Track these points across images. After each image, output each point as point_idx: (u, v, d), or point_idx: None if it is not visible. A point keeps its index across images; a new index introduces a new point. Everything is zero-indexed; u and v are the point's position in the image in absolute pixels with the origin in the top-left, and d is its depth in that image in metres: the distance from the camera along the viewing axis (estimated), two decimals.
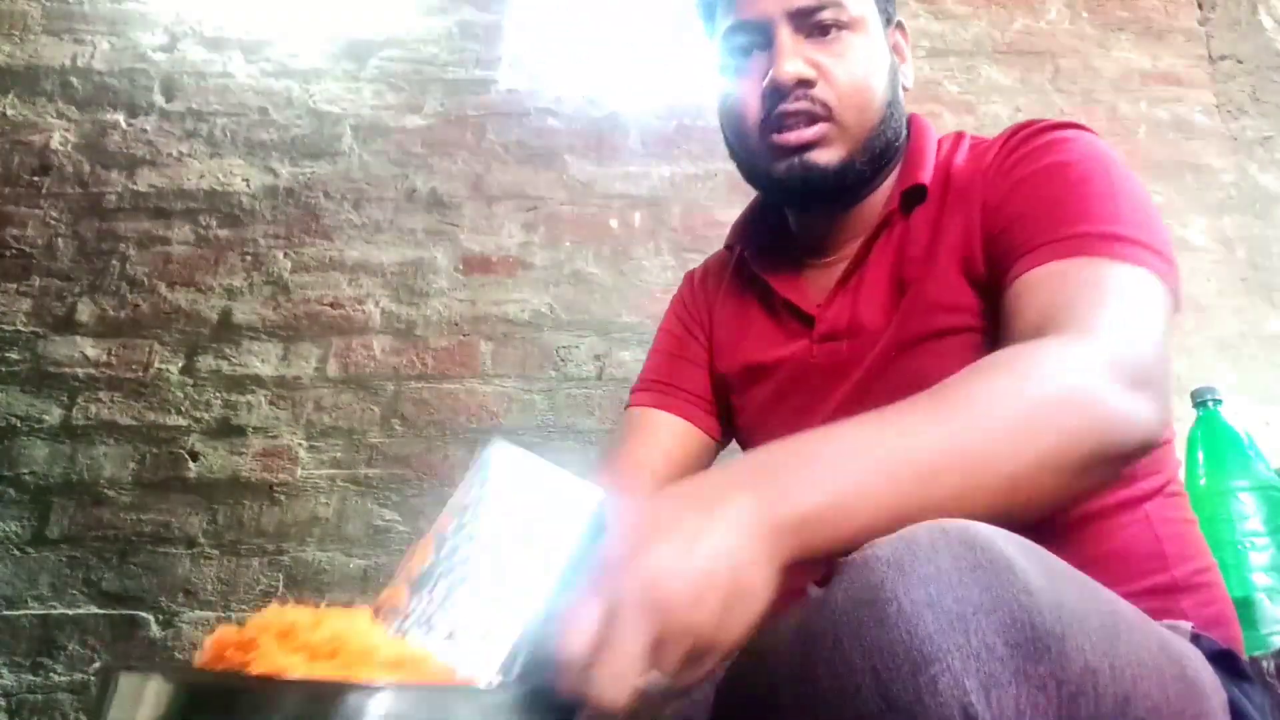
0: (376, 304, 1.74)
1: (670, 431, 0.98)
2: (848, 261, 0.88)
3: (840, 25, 0.84)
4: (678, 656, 0.44)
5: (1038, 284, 0.70)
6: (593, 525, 0.63)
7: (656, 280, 1.75)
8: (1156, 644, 0.52)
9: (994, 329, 0.77)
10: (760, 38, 0.85)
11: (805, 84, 0.83)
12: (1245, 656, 0.76)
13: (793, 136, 0.84)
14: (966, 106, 1.94)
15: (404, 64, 1.93)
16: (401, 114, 1.89)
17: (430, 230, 1.80)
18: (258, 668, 0.46)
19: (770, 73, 0.83)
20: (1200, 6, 2.04)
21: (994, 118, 1.93)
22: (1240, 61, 1.97)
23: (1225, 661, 0.65)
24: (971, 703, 0.39)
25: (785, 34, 0.83)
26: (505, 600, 0.60)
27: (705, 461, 1.02)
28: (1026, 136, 0.82)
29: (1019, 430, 0.55)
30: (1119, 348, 0.61)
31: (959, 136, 0.91)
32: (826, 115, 0.83)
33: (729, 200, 1.79)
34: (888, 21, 0.91)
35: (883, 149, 0.87)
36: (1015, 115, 1.93)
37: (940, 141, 0.91)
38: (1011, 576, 0.43)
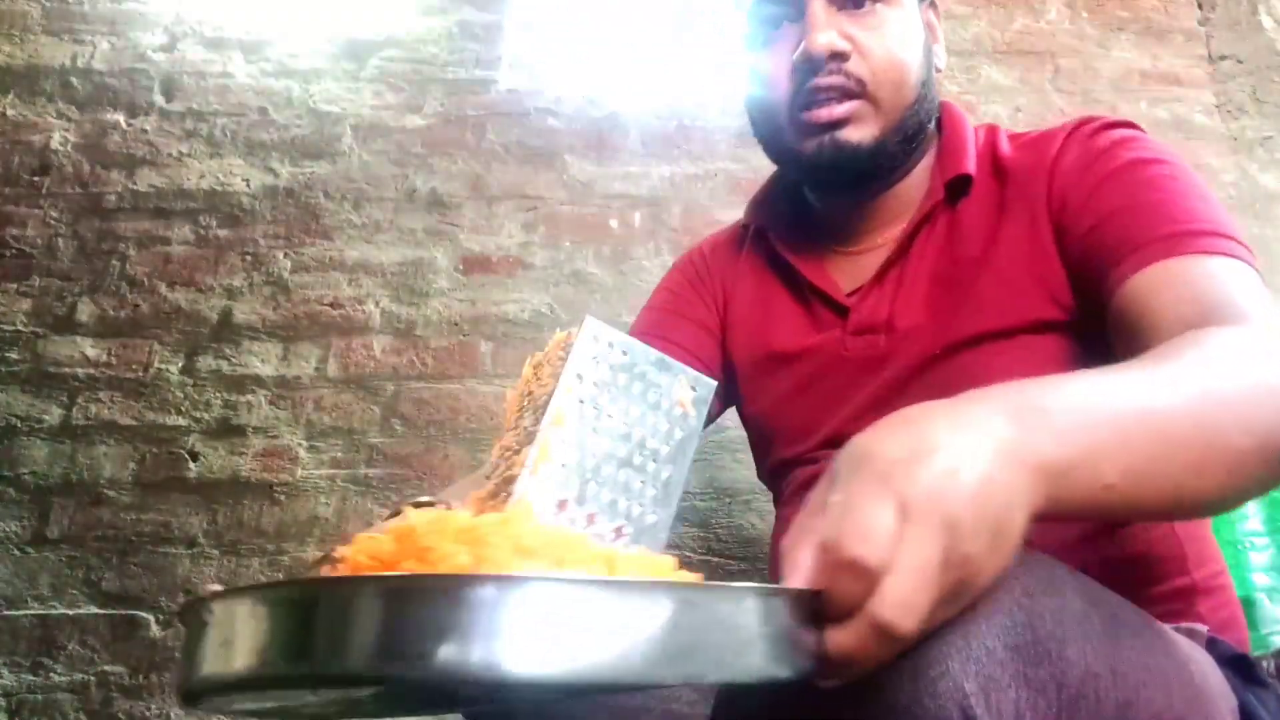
0: (376, 304, 1.74)
1: None
2: (885, 253, 0.85)
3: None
4: (944, 589, 0.38)
5: (1170, 279, 0.67)
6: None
7: (656, 280, 1.74)
8: (1162, 649, 0.51)
9: (1056, 327, 0.76)
10: (791, 8, 0.82)
11: (839, 57, 0.79)
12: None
13: (824, 113, 0.80)
14: (967, 106, 1.93)
15: (404, 64, 1.93)
16: (401, 114, 1.89)
17: (430, 230, 1.80)
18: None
19: (802, 45, 0.79)
20: (1200, 6, 2.04)
21: (994, 118, 1.92)
22: (1240, 61, 1.97)
23: (1240, 666, 0.65)
24: (970, 705, 0.39)
25: (818, 4, 0.80)
26: (659, 491, 0.56)
27: None
28: (1093, 132, 0.80)
29: (1249, 406, 0.51)
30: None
31: (993, 128, 0.88)
32: (860, 91, 0.80)
33: (729, 200, 1.79)
34: (925, 0, 0.87)
35: (915, 130, 0.84)
36: (1015, 115, 1.93)
37: (976, 130, 0.88)
38: (1011, 580, 0.43)
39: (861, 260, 0.88)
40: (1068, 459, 0.43)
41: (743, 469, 1.61)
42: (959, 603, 0.40)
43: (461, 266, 1.78)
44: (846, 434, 0.81)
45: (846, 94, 0.80)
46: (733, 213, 1.03)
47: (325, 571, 0.40)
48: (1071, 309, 0.76)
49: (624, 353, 0.58)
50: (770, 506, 1.60)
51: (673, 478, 0.58)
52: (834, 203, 0.91)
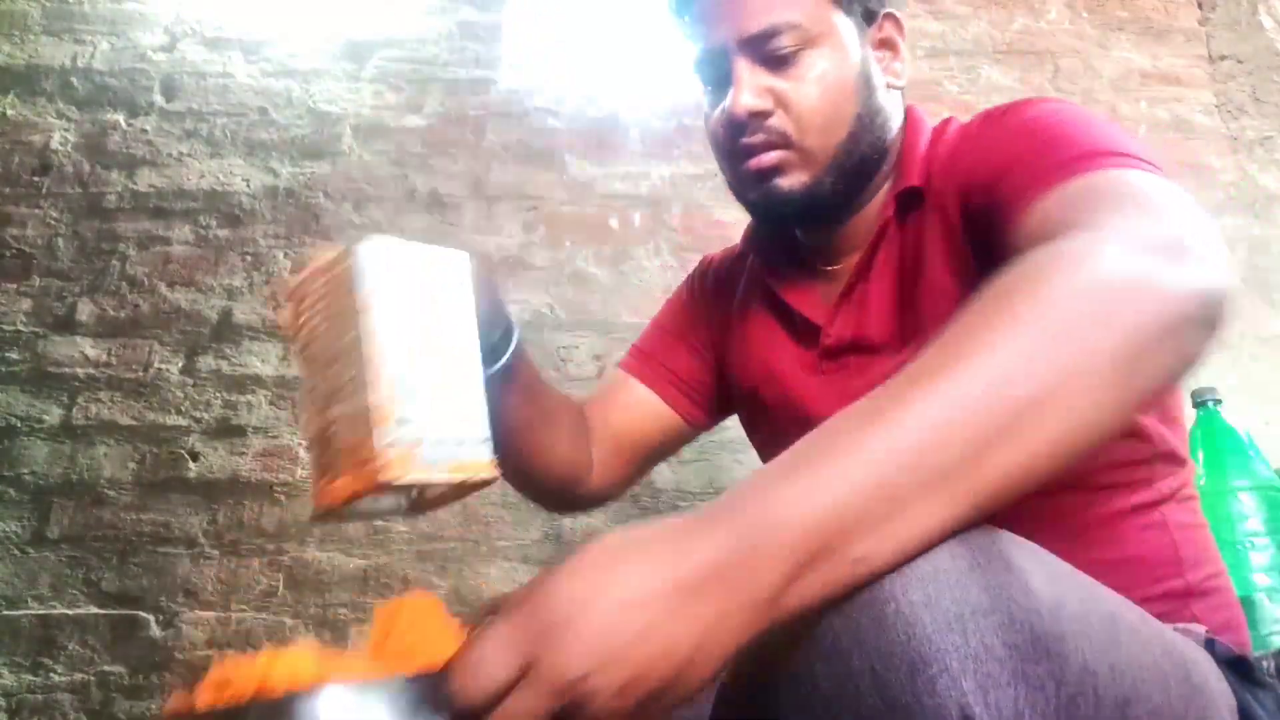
0: None
1: (639, 401, 1.00)
2: (851, 271, 0.87)
3: (800, 47, 0.81)
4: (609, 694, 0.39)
5: (1038, 219, 0.62)
6: (476, 286, 0.65)
7: (656, 280, 1.75)
8: (1160, 647, 0.51)
9: None
10: (722, 69, 0.84)
11: (760, 115, 0.81)
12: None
13: (753, 164, 0.83)
14: (966, 107, 1.93)
15: (404, 64, 1.93)
16: (401, 114, 1.89)
17: (430, 230, 1.80)
18: None
19: (726, 106, 0.82)
20: (1200, 6, 2.04)
21: None
22: (1240, 61, 1.97)
23: (1239, 667, 0.65)
24: (969, 703, 0.39)
25: (741, 65, 0.81)
26: (464, 389, 0.61)
27: (673, 440, 1.03)
28: (996, 113, 0.81)
29: (1076, 320, 0.46)
30: (1135, 227, 0.54)
31: (946, 124, 0.88)
32: (785, 143, 0.82)
33: (729, 200, 1.76)
34: (869, 19, 0.86)
35: (857, 163, 0.84)
36: None
37: (935, 131, 0.88)
38: (1010, 576, 0.43)
39: (838, 278, 0.90)
40: (800, 564, 0.41)
41: (742, 469, 1.61)
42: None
43: None
44: None
45: (772, 146, 0.82)
46: (732, 212, 1.04)
47: None
48: None
49: (411, 258, 0.60)
50: None
51: (472, 352, 0.63)
52: (808, 227, 0.93)
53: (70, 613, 1.52)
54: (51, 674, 1.48)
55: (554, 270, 1.77)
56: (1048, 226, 0.60)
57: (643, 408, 1.00)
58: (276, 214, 1.80)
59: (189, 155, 1.85)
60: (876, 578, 0.42)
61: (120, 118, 1.87)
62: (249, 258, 1.77)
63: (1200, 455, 1.32)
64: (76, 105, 1.87)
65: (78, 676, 1.48)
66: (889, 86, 0.87)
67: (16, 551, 1.55)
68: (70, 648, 1.49)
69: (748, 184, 0.86)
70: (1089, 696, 0.42)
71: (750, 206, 0.89)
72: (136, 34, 1.94)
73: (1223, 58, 1.98)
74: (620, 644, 0.40)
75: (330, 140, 1.86)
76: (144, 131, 1.86)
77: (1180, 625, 0.66)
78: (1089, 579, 0.50)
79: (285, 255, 1.77)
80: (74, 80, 1.89)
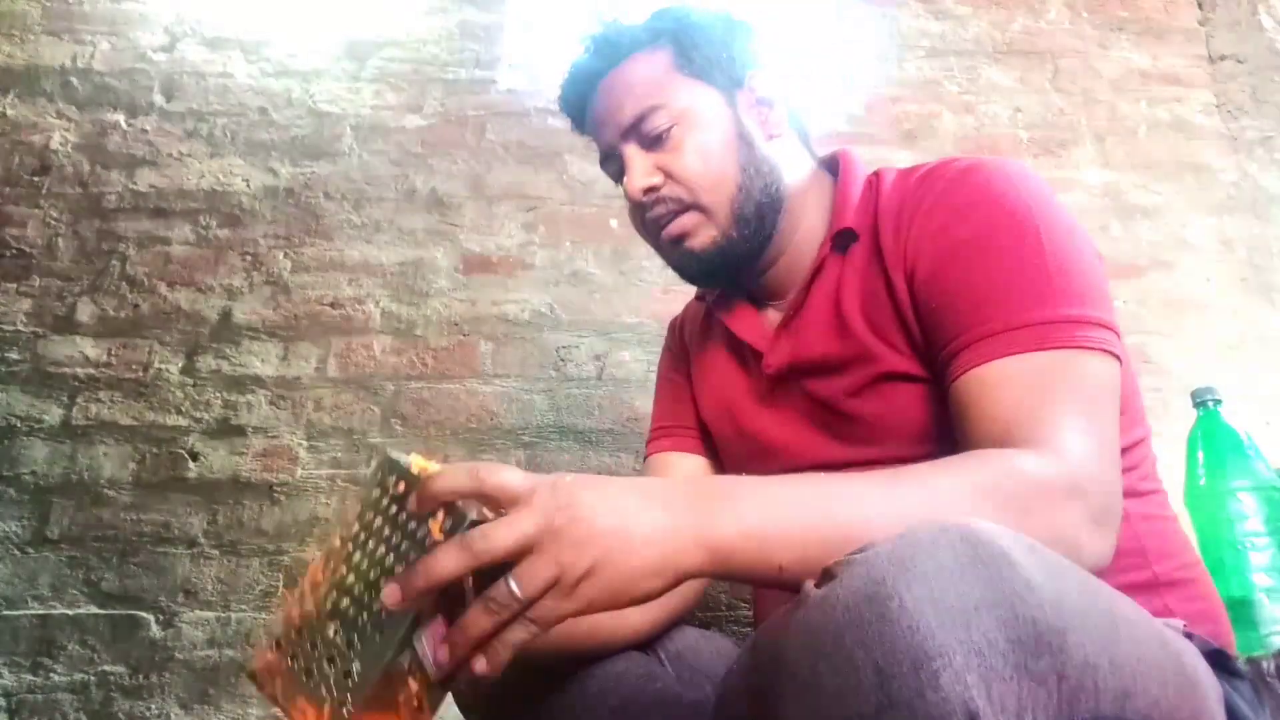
0: (376, 304, 1.74)
1: (688, 468, 1.03)
2: (790, 304, 0.93)
3: (671, 124, 0.89)
4: (543, 575, 0.52)
5: (993, 385, 0.71)
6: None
7: (656, 280, 1.75)
8: (1156, 640, 0.52)
9: (936, 382, 0.80)
10: (619, 165, 0.93)
11: (652, 190, 0.90)
12: (1236, 653, 0.77)
13: (664, 234, 0.91)
14: (966, 106, 1.94)
15: (404, 64, 1.93)
16: (401, 114, 1.89)
17: (430, 230, 1.80)
18: None
19: (626, 191, 0.92)
20: (1200, 6, 2.04)
21: (994, 118, 1.93)
22: (1240, 61, 1.97)
23: (1217, 660, 0.66)
24: (973, 698, 0.39)
25: (630, 151, 0.91)
26: (369, 626, 0.59)
27: None
28: (949, 184, 0.83)
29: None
30: (1085, 479, 0.63)
31: (880, 174, 0.93)
32: (683, 207, 0.89)
33: None
34: (736, 85, 0.93)
35: (756, 210, 0.90)
36: (1015, 115, 1.93)
37: (869, 179, 0.94)
38: (1012, 572, 0.43)
39: (782, 311, 0.96)
40: (731, 542, 0.55)
41: None
42: (562, 601, 0.53)
43: (461, 266, 1.78)
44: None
45: (674, 213, 0.90)
46: None
47: None
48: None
49: (403, 481, 0.62)
50: None
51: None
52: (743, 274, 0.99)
53: (70, 613, 1.51)
54: (51, 674, 1.47)
55: (554, 270, 1.77)
56: (999, 419, 0.69)
57: (696, 474, 1.02)
58: (276, 214, 1.80)
59: (189, 155, 1.85)
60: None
61: (120, 118, 1.87)
62: (249, 258, 1.77)
63: (1200, 455, 1.32)
64: (76, 105, 1.87)
65: (78, 676, 1.47)
66: (771, 137, 0.93)
67: (16, 551, 1.55)
68: (70, 648, 1.49)
69: (667, 252, 0.93)
70: (1090, 690, 0.42)
71: (676, 270, 0.95)
72: (136, 34, 1.94)
73: (1223, 58, 1.99)
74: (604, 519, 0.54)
75: (330, 140, 1.86)
76: (144, 131, 1.86)
77: (1160, 620, 0.67)
78: (1086, 573, 0.50)
79: (285, 255, 1.77)
80: (74, 80, 1.89)
